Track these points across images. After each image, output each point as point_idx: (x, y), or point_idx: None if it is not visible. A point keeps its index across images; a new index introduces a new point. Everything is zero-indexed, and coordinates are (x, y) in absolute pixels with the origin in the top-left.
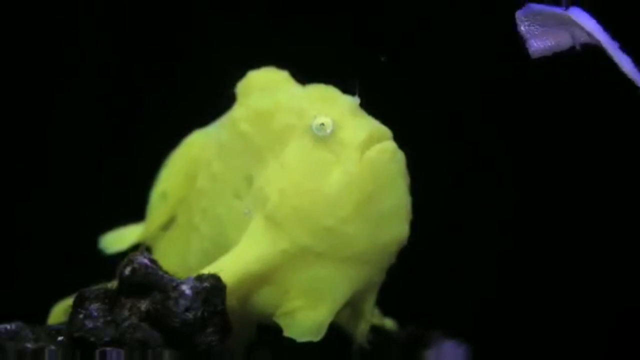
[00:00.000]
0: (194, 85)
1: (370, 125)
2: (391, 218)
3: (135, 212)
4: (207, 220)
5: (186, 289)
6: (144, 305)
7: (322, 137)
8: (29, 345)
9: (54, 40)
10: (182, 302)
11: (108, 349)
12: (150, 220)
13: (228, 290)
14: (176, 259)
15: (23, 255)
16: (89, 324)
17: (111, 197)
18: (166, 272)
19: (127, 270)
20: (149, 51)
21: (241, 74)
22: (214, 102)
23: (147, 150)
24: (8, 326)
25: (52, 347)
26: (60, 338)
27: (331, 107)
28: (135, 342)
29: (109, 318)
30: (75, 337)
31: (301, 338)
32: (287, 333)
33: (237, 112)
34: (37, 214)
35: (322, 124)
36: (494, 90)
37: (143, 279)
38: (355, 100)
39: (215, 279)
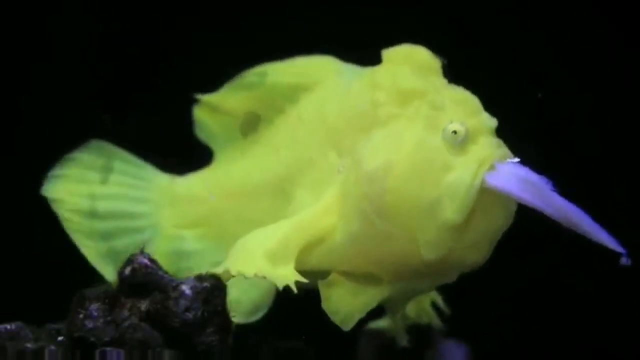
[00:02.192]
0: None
1: (500, 150)
2: (481, 243)
3: None
4: (293, 150)
5: (186, 289)
6: (144, 305)
7: (450, 142)
8: (29, 345)
9: None
10: (182, 302)
11: (108, 349)
12: (231, 93)
13: (293, 243)
14: (244, 173)
15: (24, 254)
16: (89, 324)
17: None
18: (166, 272)
19: (127, 270)
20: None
21: None
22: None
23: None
24: (8, 326)
25: (52, 347)
26: (60, 338)
27: (469, 117)
28: (135, 342)
29: (109, 318)
30: (75, 337)
31: (332, 317)
32: (323, 304)
33: (380, 78)
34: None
35: (455, 132)
36: None
37: (143, 279)
38: (493, 122)
39: (215, 279)
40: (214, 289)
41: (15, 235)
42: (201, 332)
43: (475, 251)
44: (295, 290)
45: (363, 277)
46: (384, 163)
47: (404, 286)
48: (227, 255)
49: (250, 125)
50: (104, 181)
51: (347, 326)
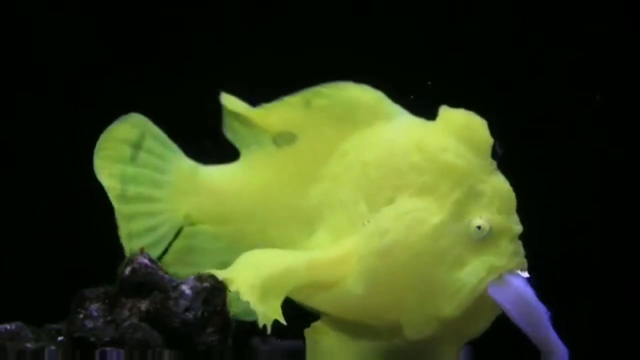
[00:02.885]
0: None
1: (515, 260)
2: (460, 338)
3: None
4: (329, 186)
5: (186, 289)
6: (144, 305)
7: (471, 236)
8: (29, 345)
9: None
10: (182, 302)
11: (108, 349)
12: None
13: (296, 279)
14: (274, 188)
15: (23, 256)
16: (89, 324)
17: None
18: (166, 272)
19: (127, 271)
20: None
21: None
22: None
23: None
24: (8, 326)
25: (52, 347)
26: (60, 338)
27: (499, 214)
28: (135, 342)
29: (109, 318)
30: (75, 337)
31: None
32: (307, 354)
33: (428, 143)
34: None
35: (479, 227)
36: None
37: (143, 279)
38: (519, 228)
39: (215, 279)
40: (214, 289)
41: (17, 235)
42: (201, 332)
43: (454, 341)
44: (269, 330)
45: (358, 329)
46: (398, 243)
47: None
48: (234, 263)
49: (286, 139)
50: (133, 159)
51: None
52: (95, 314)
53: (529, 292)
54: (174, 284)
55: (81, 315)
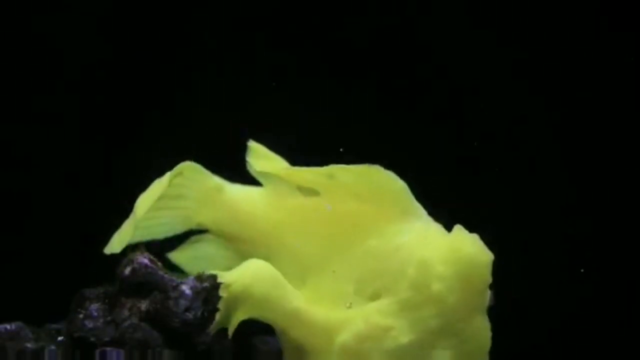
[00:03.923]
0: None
1: None
2: None
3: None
4: (333, 254)
5: (186, 289)
6: (144, 305)
7: None
8: (29, 345)
9: None
10: (182, 302)
11: (108, 349)
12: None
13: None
14: (289, 229)
15: (23, 255)
16: (89, 324)
17: (112, 195)
18: (166, 272)
19: (127, 270)
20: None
21: None
22: None
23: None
24: (8, 326)
25: (52, 347)
26: (60, 338)
27: (466, 356)
28: (135, 342)
29: (109, 318)
30: (75, 337)
31: None
32: None
33: (433, 269)
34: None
35: None
36: None
37: (143, 279)
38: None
39: (214, 279)
40: (213, 289)
41: (17, 234)
42: (201, 332)
43: None
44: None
45: None
46: (364, 353)
47: None
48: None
49: (310, 192)
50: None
51: None
52: (95, 313)
53: None
54: (174, 284)
55: (81, 315)
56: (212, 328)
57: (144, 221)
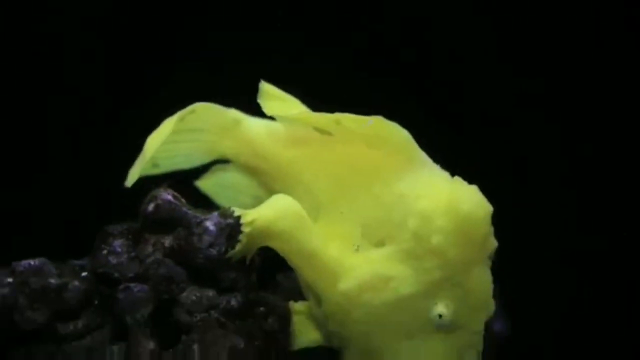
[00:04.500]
0: None
1: (464, 353)
2: None
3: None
4: (343, 194)
5: (210, 225)
6: (167, 241)
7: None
8: (52, 280)
9: None
10: (206, 239)
11: (132, 284)
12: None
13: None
14: (304, 164)
15: (47, 192)
16: (113, 260)
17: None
18: (190, 208)
19: (151, 207)
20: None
21: None
22: None
23: None
24: (32, 262)
25: (76, 283)
26: (84, 274)
27: (468, 309)
28: (159, 277)
29: (132, 254)
30: (99, 273)
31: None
32: (295, 337)
33: (434, 220)
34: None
35: (440, 316)
36: None
37: (167, 215)
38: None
39: (239, 215)
40: (237, 225)
41: (41, 171)
42: (225, 268)
43: None
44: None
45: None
46: (365, 300)
47: None
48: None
49: (325, 131)
50: (181, 119)
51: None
52: (119, 250)
53: None
54: (198, 220)
55: (105, 252)
56: (231, 254)
57: (163, 153)
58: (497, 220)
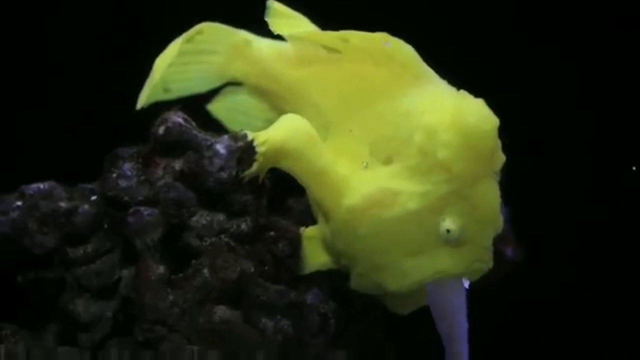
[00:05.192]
0: None
1: (471, 266)
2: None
3: None
4: (351, 111)
5: (220, 148)
6: (178, 164)
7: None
8: (62, 204)
9: None
10: (217, 162)
11: (142, 208)
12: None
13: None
14: (313, 82)
15: (56, 116)
16: (123, 183)
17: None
18: (200, 131)
19: (161, 130)
20: None
21: None
22: None
23: None
24: (41, 185)
25: (86, 207)
26: (93, 197)
27: (476, 224)
28: (169, 201)
29: (142, 177)
30: (108, 196)
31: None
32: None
33: (438, 133)
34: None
35: (449, 231)
36: None
37: (177, 137)
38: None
39: (249, 138)
40: (248, 148)
41: (48, 97)
42: (236, 191)
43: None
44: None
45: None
46: (372, 215)
47: None
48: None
49: (333, 49)
50: (189, 40)
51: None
52: (129, 173)
53: (458, 304)
54: (208, 143)
55: (114, 175)
56: (246, 174)
57: (173, 76)
58: (508, 143)
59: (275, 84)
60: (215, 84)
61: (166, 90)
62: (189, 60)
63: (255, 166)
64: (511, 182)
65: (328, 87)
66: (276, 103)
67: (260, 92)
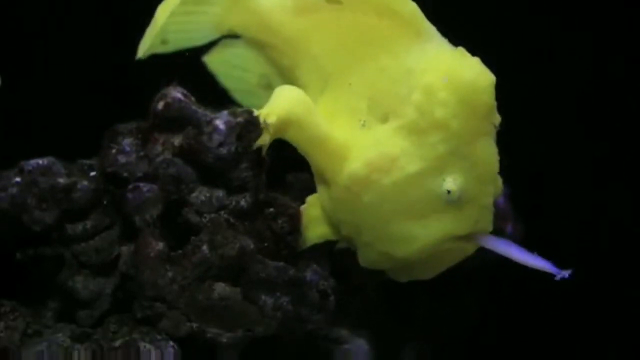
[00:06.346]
0: None
1: (476, 225)
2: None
3: None
4: (350, 65)
5: (220, 123)
6: (177, 140)
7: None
8: (61, 180)
9: None
10: (216, 137)
11: (141, 184)
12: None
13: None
14: (314, 35)
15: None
16: (122, 159)
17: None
18: (200, 107)
19: (160, 105)
20: None
21: None
22: None
23: None
24: (40, 161)
25: (85, 183)
26: (92, 173)
27: (477, 182)
28: (168, 177)
29: (142, 153)
30: (108, 172)
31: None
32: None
33: (437, 92)
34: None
35: (449, 192)
36: None
37: (176, 113)
38: (491, 200)
39: (249, 113)
40: (248, 123)
41: (47, 69)
42: (235, 167)
43: (402, 276)
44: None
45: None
46: (373, 181)
47: None
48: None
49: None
50: None
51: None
52: (128, 148)
53: (509, 252)
54: (208, 118)
55: (114, 150)
56: (257, 144)
57: (172, 26)
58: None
59: (273, 36)
60: (213, 36)
61: (164, 41)
62: (189, 10)
63: (266, 137)
64: (511, 161)
65: (328, 39)
66: (274, 56)
67: (258, 45)
